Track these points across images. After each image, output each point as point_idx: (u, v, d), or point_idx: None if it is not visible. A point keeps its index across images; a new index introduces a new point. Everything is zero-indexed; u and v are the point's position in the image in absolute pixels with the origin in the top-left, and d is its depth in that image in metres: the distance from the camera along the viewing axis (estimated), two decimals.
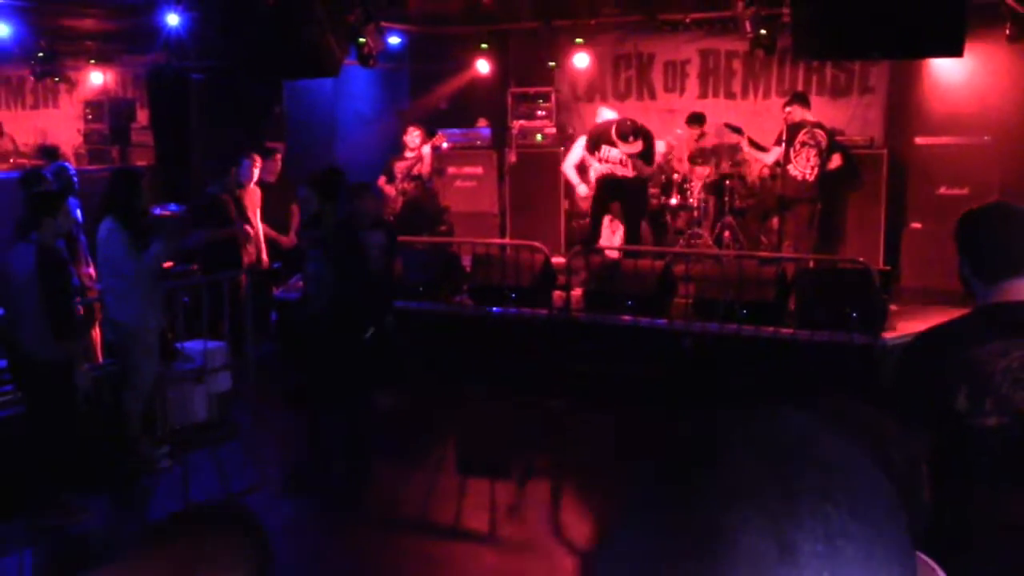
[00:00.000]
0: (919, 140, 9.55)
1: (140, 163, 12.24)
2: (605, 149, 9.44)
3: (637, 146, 9.17)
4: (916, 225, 9.44)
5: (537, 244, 9.12)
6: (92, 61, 13.05)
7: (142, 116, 13.32)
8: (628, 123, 9.25)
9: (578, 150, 9.76)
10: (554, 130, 11.27)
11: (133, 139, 13.38)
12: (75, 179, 8.30)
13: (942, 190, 9.32)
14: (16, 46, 11.67)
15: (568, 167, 10.01)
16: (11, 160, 13.07)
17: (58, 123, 14.95)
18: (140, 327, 6.42)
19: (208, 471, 6.97)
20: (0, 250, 7.24)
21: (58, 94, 15.04)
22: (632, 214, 9.49)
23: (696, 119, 10.63)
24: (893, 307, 8.29)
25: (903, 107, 10.20)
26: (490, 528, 5.93)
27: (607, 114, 9.93)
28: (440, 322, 8.76)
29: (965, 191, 9.24)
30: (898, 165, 9.74)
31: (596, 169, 9.59)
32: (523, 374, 8.23)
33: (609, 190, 9.48)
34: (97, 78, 14.11)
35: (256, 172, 8.98)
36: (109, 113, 13.73)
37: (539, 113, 11.56)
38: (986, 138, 9.27)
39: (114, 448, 6.42)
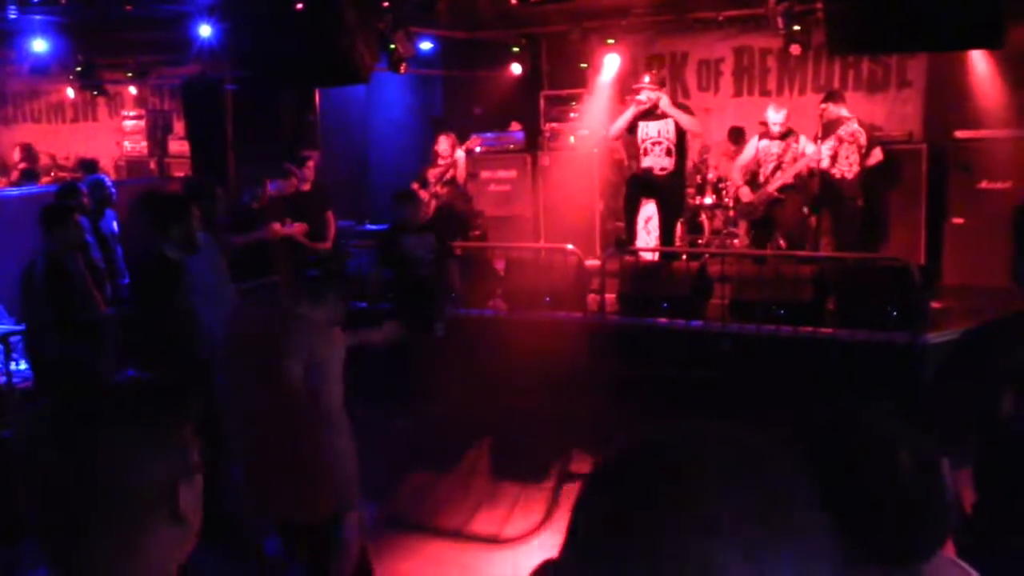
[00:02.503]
0: (959, 134, 9.38)
1: (178, 174, 12.38)
2: (642, 127, 9.14)
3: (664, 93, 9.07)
4: (957, 220, 9.26)
5: (570, 247, 9.06)
6: (129, 74, 13.20)
7: (179, 128, 13.46)
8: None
9: (751, 149, 9.35)
10: (587, 132, 11.21)
11: (171, 151, 13.52)
12: (112, 191, 8.39)
13: (983, 184, 9.13)
14: (55, 61, 11.85)
15: (736, 167, 9.54)
16: (52, 174, 13.26)
17: (97, 136, 15.15)
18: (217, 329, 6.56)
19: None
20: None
21: (97, 108, 15.25)
22: (667, 214, 9.34)
23: (737, 136, 10.56)
24: (935, 305, 8.14)
25: (942, 100, 10.02)
26: (527, 533, 5.89)
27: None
28: (474, 326, 8.73)
29: (1007, 185, 9.05)
30: (938, 160, 9.56)
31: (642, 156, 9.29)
32: (557, 378, 8.17)
33: (641, 188, 9.34)
34: (134, 91, 14.28)
35: (267, 192, 8.90)
36: (147, 125, 13.89)
37: (572, 115, 11.50)
38: None
39: None
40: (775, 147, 9.10)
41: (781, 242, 9.34)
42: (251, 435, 3.76)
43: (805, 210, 9.38)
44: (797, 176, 9.05)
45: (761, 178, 9.23)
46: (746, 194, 9.27)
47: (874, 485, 1.55)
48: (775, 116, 9.07)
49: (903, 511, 1.56)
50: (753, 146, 9.30)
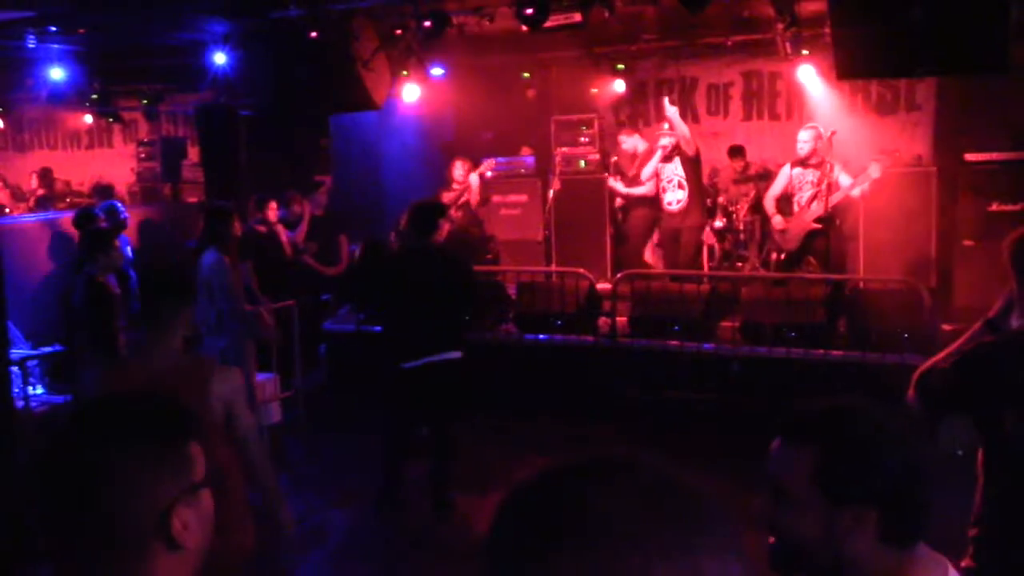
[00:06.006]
0: (969, 156, 9.39)
1: (191, 200, 12.48)
2: (660, 169, 9.56)
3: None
4: (968, 243, 9.27)
5: (582, 271, 9.11)
6: (144, 101, 13.35)
7: (193, 154, 13.58)
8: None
9: (783, 178, 9.08)
10: (597, 156, 11.27)
11: (184, 176, 13.63)
12: (125, 217, 8.49)
13: (993, 207, 9.14)
14: (72, 89, 12.00)
15: (768, 199, 9.21)
16: (67, 200, 13.39)
17: (112, 163, 15.31)
18: (239, 350, 6.67)
19: (257, 501, 7.03)
20: (54, 284, 7.48)
21: (112, 134, 15.42)
22: (685, 245, 9.63)
23: (737, 152, 10.63)
24: (945, 327, 8.13)
25: (951, 123, 10.05)
26: None
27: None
28: (486, 350, 8.76)
29: (1018, 207, 9.07)
30: (948, 182, 9.58)
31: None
32: (570, 401, 8.20)
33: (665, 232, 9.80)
34: (149, 118, 14.44)
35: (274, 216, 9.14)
36: (161, 152, 14.01)
37: (582, 140, 11.56)
38: None
39: None
40: (810, 175, 8.78)
41: (812, 259, 9.03)
42: None
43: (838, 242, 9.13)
44: (835, 207, 8.75)
45: (795, 207, 8.92)
46: (779, 223, 8.96)
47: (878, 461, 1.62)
48: (802, 135, 8.86)
49: (908, 486, 1.62)
50: (785, 175, 9.01)
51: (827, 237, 8.79)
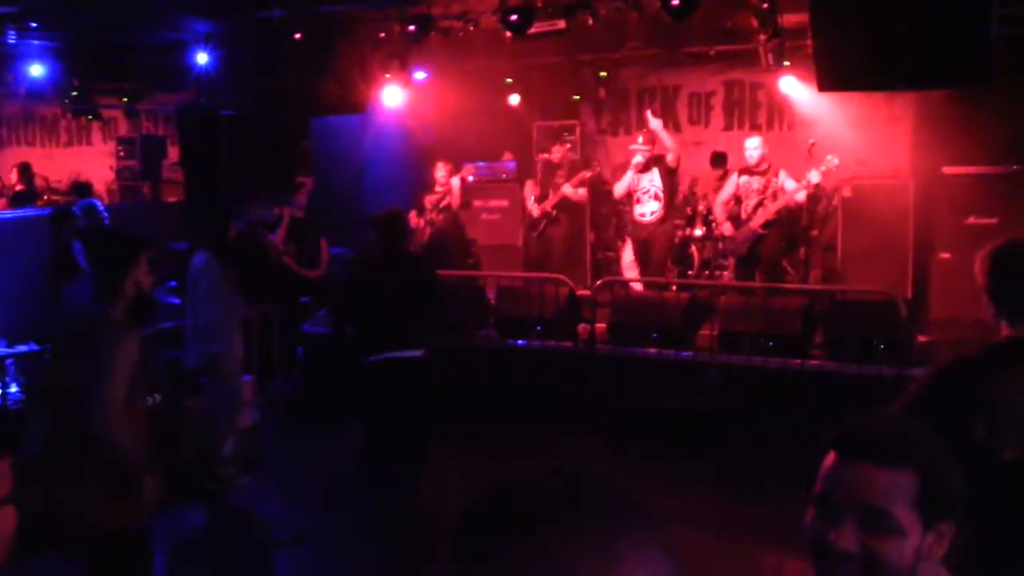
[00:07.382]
0: (947, 169, 9.47)
1: (171, 199, 12.42)
2: (634, 181, 9.51)
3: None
4: (945, 255, 9.35)
5: (562, 277, 9.13)
6: (124, 99, 13.26)
7: (173, 153, 13.50)
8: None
9: (731, 185, 9.34)
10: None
11: (164, 175, 13.56)
12: (104, 215, 8.44)
13: (970, 220, 9.22)
14: (50, 85, 11.91)
15: (717, 204, 9.53)
16: (45, 197, 13.29)
17: (92, 160, 15.20)
18: (229, 353, 6.64)
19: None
20: (31, 283, 7.42)
21: (91, 132, 15.31)
22: (658, 255, 9.65)
23: (719, 160, 10.68)
24: (921, 338, 8.20)
25: (930, 136, 10.12)
26: None
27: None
28: (465, 355, 8.76)
29: (994, 220, 9.15)
30: (926, 195, 9.66)
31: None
32: (548, 407, 8.21)
33: (638, 243, 9.79)
34: (129, 116, 14.34)
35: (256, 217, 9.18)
36: (141, 150, 13.92)
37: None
38: (1015, 167, 9.18)
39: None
40: (756, 182, 9.11)
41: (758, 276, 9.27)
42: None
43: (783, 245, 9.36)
44: (779, 211, 9.01)
45: (743, 214, 9.19)
46: (728, 230, 9.30)
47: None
48: (750, 143, 9.18)
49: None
50: (733, 182, 9.32)
51: (769, 241, 9.04)
